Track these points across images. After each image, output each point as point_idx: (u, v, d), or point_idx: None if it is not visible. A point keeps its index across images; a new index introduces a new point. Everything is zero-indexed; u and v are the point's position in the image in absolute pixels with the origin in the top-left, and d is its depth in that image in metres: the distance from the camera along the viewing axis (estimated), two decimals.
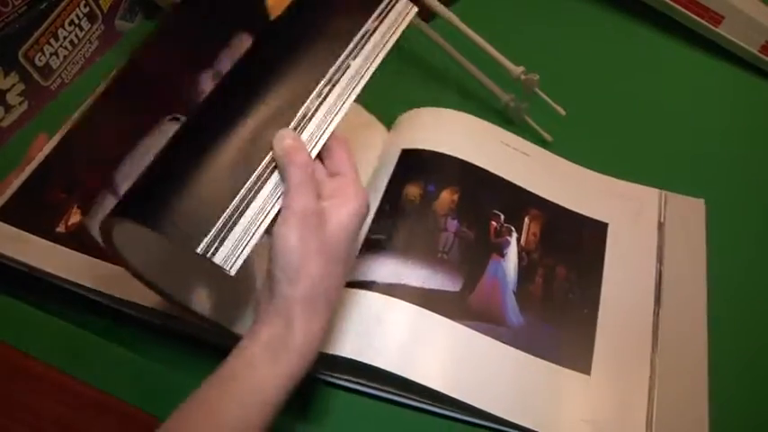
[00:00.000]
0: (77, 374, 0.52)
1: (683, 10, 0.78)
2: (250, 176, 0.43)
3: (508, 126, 0.69)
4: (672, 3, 0.78)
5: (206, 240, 0.40)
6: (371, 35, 0.49)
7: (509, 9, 0.84)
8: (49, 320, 0.55)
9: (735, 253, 0.61)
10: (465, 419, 0.51)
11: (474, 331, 0.52)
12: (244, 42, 0.58)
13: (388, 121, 0.68)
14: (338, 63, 0.48)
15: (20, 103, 0.70)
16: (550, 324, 0.54)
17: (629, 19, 0.83)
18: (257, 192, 0.43)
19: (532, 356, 0.52)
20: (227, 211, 0.42)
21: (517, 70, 0.68)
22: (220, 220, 0.41)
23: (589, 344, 0.54)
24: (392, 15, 0.50)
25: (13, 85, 0.68)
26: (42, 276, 0.53)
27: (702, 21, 0.78)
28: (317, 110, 0.46)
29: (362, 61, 0.48)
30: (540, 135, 0.69)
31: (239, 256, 0.41)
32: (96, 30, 0.75)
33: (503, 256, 0.57)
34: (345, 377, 0.52)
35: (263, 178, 0.43)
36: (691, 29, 0.79)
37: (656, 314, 0.56)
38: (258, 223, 0.42)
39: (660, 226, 0.62)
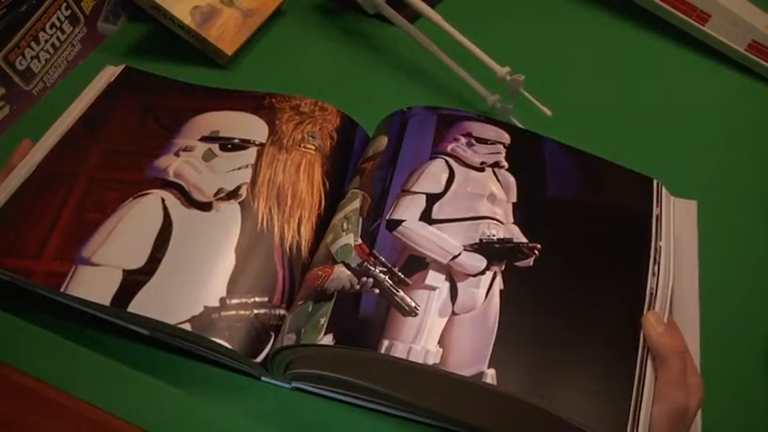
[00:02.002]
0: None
1: (670, 9, 0.76)
2: (636, 357, 0.43)
3: None
4: (659, 2, 0.76)
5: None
6: (660, 219, 0.52)
7: (494, 9, 0.82)
8: (36, 331, 0.52)
9: (724, 254, 0.60)
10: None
11: None
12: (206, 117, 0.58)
13: (367, 123, 0.65)
14: (653, 244, 0.50)
15: (1, 108, 0.66)
16: None
17: (615, 18, 0.81)
18: (643, 376, 0.42)
19: None
20: (633, 393, 0.41)
21: (503, 71, 0.66)
22: (632, 405, 0.41)
23: None
24: (664, 203, 0.54)
25: None
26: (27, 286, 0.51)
27: (689, 19, 0.76)
28: (657, 287, 0.48)
29: (666, 243, 0.51)
30: None
31: None
32: (79, 33, 0.71)
33: None
34: (332, 389, 0.50)
35: (644, 362, 0.43)
36: (678, 28, 0.77)
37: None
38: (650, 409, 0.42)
39: (657, 219, 0.59)
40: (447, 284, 0.46)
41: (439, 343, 0.43)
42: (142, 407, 0.49)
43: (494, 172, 0.53)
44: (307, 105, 0.61)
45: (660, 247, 0.50)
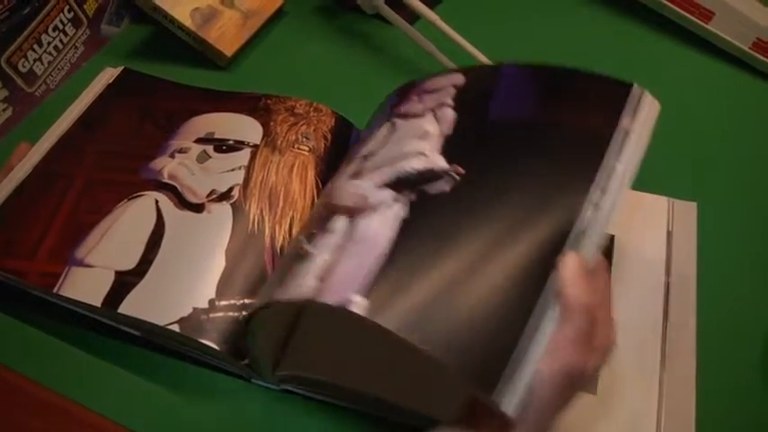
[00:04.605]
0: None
1: (673, 6, 0.74)
2: (533, 307, 0.36)
3: None
4: (662, 0, 0.74)
5: (499, 385, 0.34)
6: (628, 135, 0.42)
7: (493, 11, 0.80)
8: (29, 332, 0.52)
9: (725, 256, 0.58)
10: None
11: None
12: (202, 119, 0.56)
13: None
14: (604, 166, 0.40)
15: (3, 110, 0.65)
16: None
17: (617, 16, 0.79)
18: (540, 328, 0.36)
19: None
20: (518, 347, 0.35)
21: None
22: (511, 359, 0.35)
23: None
24: (642, 113, 0.44)
25: None
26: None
27: (692, 17, 0.74)
28: (591, 223, 0.39)
29: (625, 165, 0.41)
30: None
31: (522, 399, 0.35)
32: (81, 35, 0.71)
33: None
34: (321, 391, 0.49)
35: (546, 310, 0.36)
36: (681, 26, 0.75)
37: (665, 329, 0.52)
38: (539, 368, 0.35)
39: (669, 236, 0.57)
40: (345, 223, 0.43)
41: (321, 278, 0.39)
42: (133, 408, 0.49)
43: (434, 113, 0.48)
44: (302, 106, 0.60)
45: (614, 168, 0.41)
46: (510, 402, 0.34)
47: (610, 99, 0.44)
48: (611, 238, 0.57)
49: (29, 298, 0.51)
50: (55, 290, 0.49)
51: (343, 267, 0.39)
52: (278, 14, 0.76)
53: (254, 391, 0.49)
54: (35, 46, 0.66)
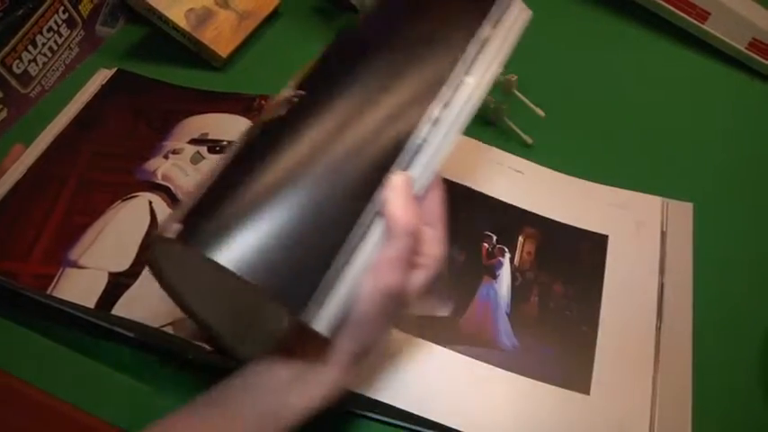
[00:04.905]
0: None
1: (669, 6, 0.74)
2: (353, 225, 0.35)
3: (488, 128, 0.65)
4: (658, 0, 0.74)
5: (310, 303, 0.34)
6: (487, 45, 0.39)
7: None
8: (23, 333, 0.52)
9: (722, 257, 0.57)
10: None
11: (465, 356, 0.48)
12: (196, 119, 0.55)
13: None
14: (452, 79, 0.38)
15: None
16: (547, 344, 0.50)
17: (612, 16, 0.79)
18: (360, 245, 0.35)
19: (528, 379, 0.48)
20: (331, 269, 0.34)
21: None
22: (325, 278, 0.34)
23: (588, 362, 0.50)
24: (508, 20, 0.41)
25: None
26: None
27: (689, 17, 0.74)
28: (428, 139, 0.37)
29: (478, 78, 0.39)
30: (520, 138, 0.65)
31: (338, 318, 0.35)
32: (76, 36, 0.71)
33: (495, 277, 0.53)
34: None
35: (367, 228, 0.35)
36: (676, 25, 0.75)
37: (658, 329, 0.52)
38: (358, 285, 0.35)
39: (663, 236, 0.57)
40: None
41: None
42: (126, 409, 0.49)
43: None
44: None
45: (463, 81, 0.38)
46: (323, 321, 0.34)
47: (472, 8, 0.42)
48: (605, 239, 0.56)
49: (23, 299, 0.51)
50: (48, 291, 0.49)
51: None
52: (273, 15, 0.75)
53: None
54: (30, 47, 0.66)
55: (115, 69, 0.64)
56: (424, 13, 0.42)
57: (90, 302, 0.48)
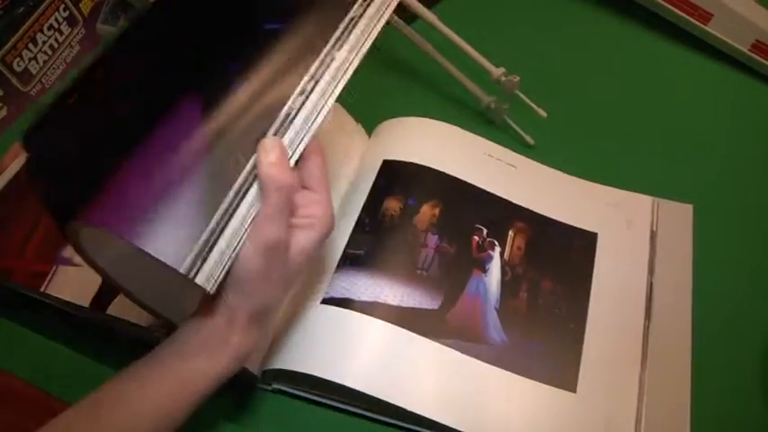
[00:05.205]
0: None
1: (672, 7, 0.73)
2: (230, 188, 0.38)
3: (490, 128, 0.65)
4: (660, 1, 0.73)
5: (189, 259, 0.36)
6: (356, 23, 0.43)
7: (490, 10, 0.79)
8: (20, 332, 0.52)
9: (722, 259, 0.57)
10: None
11: (452, 350, 0.48)
12: None
13: (367, 124, 0.63)
14: (322, 55, 0.41)
15: None
16: (535, 340, 0.50)
17: (614, 17, 0.78)
18: (237, 206, 0.38)
19: (515, 375, 0.48)
20: (210, 227, 0.37)
21: (497, 72, 0.64)
22: (202, 239, 0.37)
23: (575, 360, 0.49)
24: (376, 2, 0.44)
25: None
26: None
27: (691, 19, 0.73)
28: (299, 110, 0.40)
29: (347, 53, 0.42)
30: (522, 138, 0.65)
31: (219, 275, 0.37)
32: (77, 34, 0.71)
33: (485, 271, 0.53)
34: (315, 392, 0.48)
35: (243, 190, 0.38)
36: (679, 27, 0.74)
37: (646, 328, 0.51)
38: (237, 242, 0.38)
39: (653, 235, 0.57)
40: None
41: None
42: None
43: None
44: None
45: (333, 58, 0.42)
46: (203, 274, 0.37)
47: None
48: (594, 236, 0.56)
49: (17, 297, 0.51)
50: (42, 289, 0.49)
51: None
52: None
53: (246, 389, 0.49)
54: (30, 45, 0.66)
55: None
56: None
57: (84, 301, 0.48)
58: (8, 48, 0.64)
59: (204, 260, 0.37)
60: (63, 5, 0.68)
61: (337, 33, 0.42)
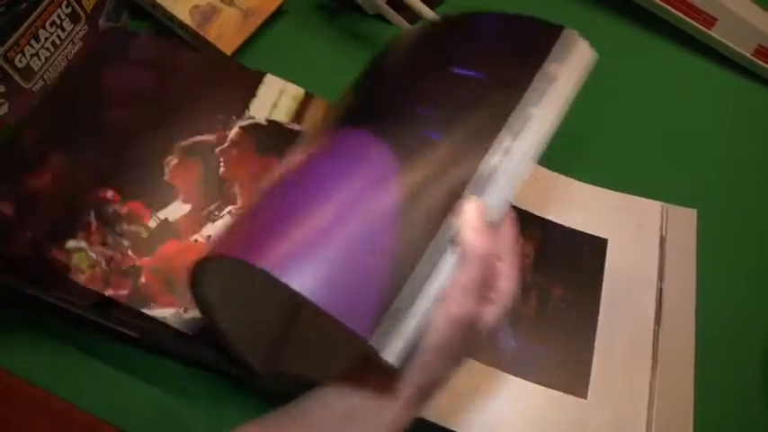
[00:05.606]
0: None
1: (676, 12, 0.74)
2: (424, 251, 0.34)
3: None
4: (664, 4, 0.73)
5: (380, 331, 0.32)
6: (553, 78, 0.39)
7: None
8: (24, 331, 0.52)
9: (724, 263, 0.57)
10: None
11: None
12: None
13: None
14: (519, 110, 0.38)
15: (0, 105, 0.64)
16: (545, 347, 0.50)
17: (618, 21, 0.78)
18: (431, 272, 0.34)
19: (526, 381, 0.48)
20: (402, 295, 0.33)
21: None
22: (393, 307, 0.33)
23: (586, 367, 0.50)
24: (573, 59, 0.41)
25: None
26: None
27: (695, 23, 0.73)
28: (498, 169, 0.36)
29: (546, 110, 0.39)
30: None
31: (407, 347, 0.33)
32: (80, 30, 0.70)
33: None
34: None
35: (438, 254, 0.34)
36: (683, 31, 0.75)
37: (656, 334, 0.52)
38: (428, 313, 0.34)
39: (662, 241, 0.57)
40: None
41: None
42: (129, 409, 0.48)
43: None
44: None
45: (531, 114, 0.38)
46: (392, 349, 0.32)
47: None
48: (604, 242, 0.56)
49: (22, 295, 0.50)
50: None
51: None
52: (277, 13, 0.75)
53: (249, 392, 0.49)
54: (32, 41, 0.65)
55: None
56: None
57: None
58: (10, 44, 0.63)
59: (392, 332, 0.33)
60: (66, 2, 0.67)
61: (533, 89, 0.39)
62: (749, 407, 0.51)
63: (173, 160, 0.52)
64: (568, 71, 0.41)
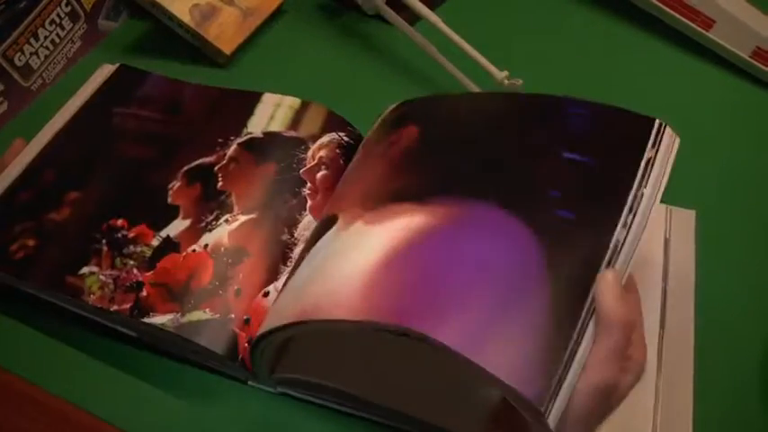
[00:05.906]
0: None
1: (674, 13, 0.74)
2: (576, 323, 0.37)
3: None
4: (662, 6, 0.73)
5: (548, 396, 0.35)
6: (652, 164, 0.45)
7: (494, 12, 0.79)
8: (22, 330, 0.51)
9: (721, 265, 0.57)
10: None
11: None
12: None
13: (367, 127, 0.63)
14: (634, 190, 0.43)
15: None
16: None
17: (617, 22, 0.78)
18: (580, 340, 0.37)
19: None
20: (564, 360, 0.36)
21: (501, 75, 0.64)
22: (558, 372, 0.35)
23: None
24: (664, 144, 0.47)
25: None
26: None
27: (693, 25, 0.74)
28: (624, 243, 0.41)
29: (651, 190, 0.44)
30: None
31: (559, 414, 0.35)
32: (79, 29, 0.70)
33: None
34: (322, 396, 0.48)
35: (585, 323, 0.37)
36: (681, 33, 0.75)
37: (661, 338, 0.52)
38: (576, 380, 0.36)
39: (666, 243, 0.57)
40: None
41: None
42: (127, 409, 0.48)
43: None
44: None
45: (642, 194, 0.44)
46: (555, 417, 0.35)
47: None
48: None
49: (24, 297, 0.50)
50: None
51: None
52: (277, 12, 0.75)
53: (251, 393, 0.49)
54: (31, 40, 0.65)
55: (118, 65, 0.63)
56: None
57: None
58: (9, 42, 0.63)
59: (555, 399, 0.35)
60: (65, 1, 0.67)
61: (639, 174, 0.44)
62: (746, 406, 0.51)
63: (176, 184, 0.54)
64: (662, 155, 0.46)
